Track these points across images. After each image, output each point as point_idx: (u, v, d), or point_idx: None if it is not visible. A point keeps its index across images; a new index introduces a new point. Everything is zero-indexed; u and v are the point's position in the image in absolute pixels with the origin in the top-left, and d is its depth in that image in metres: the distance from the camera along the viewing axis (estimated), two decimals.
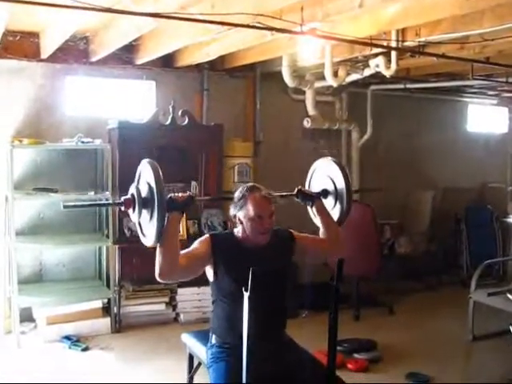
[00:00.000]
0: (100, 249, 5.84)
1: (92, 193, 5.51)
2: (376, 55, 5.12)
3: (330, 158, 3.56)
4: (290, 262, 3.27)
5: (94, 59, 5.64)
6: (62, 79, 5.79)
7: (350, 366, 4.75)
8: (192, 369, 3.74)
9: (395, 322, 6.05)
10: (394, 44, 4.49)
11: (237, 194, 3.12)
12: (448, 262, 7.79)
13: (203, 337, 3.42)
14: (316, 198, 3.41)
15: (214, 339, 3.18)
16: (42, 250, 5.71)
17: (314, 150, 6.94)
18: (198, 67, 6.27)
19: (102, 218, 5.77)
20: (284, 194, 3.39)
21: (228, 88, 6.58)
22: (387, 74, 5.10)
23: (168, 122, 5.69)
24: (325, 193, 3.45)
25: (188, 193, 3.03)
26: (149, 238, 2.89)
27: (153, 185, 2.77)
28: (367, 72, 5.50)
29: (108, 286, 5.64)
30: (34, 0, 3.21)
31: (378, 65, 5.14)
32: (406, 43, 4.53)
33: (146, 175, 2.86)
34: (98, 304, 5.56)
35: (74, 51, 5.65)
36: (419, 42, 4.47)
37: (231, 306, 3.02)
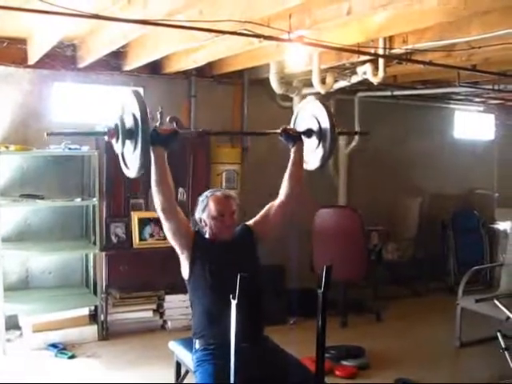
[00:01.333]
0: (87, 256, 5.81)
1: (79, 199, 5.49)
2: (363, 62, 5.14)
3: (314, 97, 3.63)
4: (256, 253, 3.36)
5: (81, 65, 5.61)
6: (49, 85, 5.77)
7: (338, 372, 4.75)
8: (179, 376, 3.73)
9: (383, 329, 6.06)
10: (381, 51, 4.50)
11: (200, 199, 3.32)
12: (435, 269, 7.81)
13: (190, 344, 3.41)
14: (298, 139, 3.46)
15: (197, 344, 3.21)
16: (29, 257, 5.65)
17: None
18: (186, 74, 6.26)
19: (88, 224, 5.73)
20: (269, 131, 3.56)
21: (216, 94, 6.58)
22: (375, 81, 5.12)
23: None
24: (309, 132, 3.49)
25: (173, 127, 3.07)
26: (132, 169, 2.93)
27: (137, 115, 2.78)
28: (355, 79, 5.52)
29: (95, 293, 5.60)
30: (20, 7, 3.19)
31: (365, 72, 5.16)
32: (394, 51, 4.53)
33: (130, 106, 2.86)
34: (84, 311, 5.52)
35: (62, 57, 5.61)
36: (406, 49, 4.48)
37: (209, 303, 3.11)
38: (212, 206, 3.23)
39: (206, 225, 3.26)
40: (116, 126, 2.90)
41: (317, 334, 2.99)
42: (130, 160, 2.93)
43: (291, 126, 3.63)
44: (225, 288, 2.72)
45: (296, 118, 3.68)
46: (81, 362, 5.00)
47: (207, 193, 3.34)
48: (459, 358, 5.40)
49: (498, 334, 4.52)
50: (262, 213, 3.44)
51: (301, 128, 3.56)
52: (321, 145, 3.47)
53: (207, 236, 3.29)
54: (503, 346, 4.46)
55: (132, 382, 4.56)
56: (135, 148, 2.82)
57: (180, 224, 3.14)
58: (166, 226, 3.13)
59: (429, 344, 5.57)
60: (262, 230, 3.38)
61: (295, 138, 3.46)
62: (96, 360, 5.03)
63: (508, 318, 4.66)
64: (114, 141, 2.93)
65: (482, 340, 5.42)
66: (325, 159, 3.50)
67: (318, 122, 3.46)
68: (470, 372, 4.96)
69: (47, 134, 2.95)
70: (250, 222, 3.42)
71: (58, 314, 5.37)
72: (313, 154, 3.52)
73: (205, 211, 3.25)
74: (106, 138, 2.95)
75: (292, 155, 3.46)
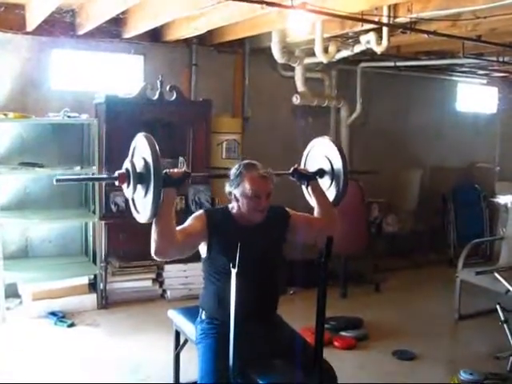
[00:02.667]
0: (86, 224, 5.79)
1: (78, 167, 5.45)
2: (367, 31, 5.07)
3: (327, 137, 3.49)
4: (283, 240, 3.22)
5: (80, 32, 5.55)
6: (48, 52, 5.69)
7: (336, 343, 4.76)
8: (179, 345, 3.74)
9: (382, 300, 6.07)
10: (385, 20, 4.44)
11: (233, 171, 3.04)
12: (435, 241, 7.81)
13: (190, 313, 3.41)
14: (311, 178, 3.34)
15: (203, 315, 3.17)
16: (28, 226, 5.65)
17: (303, 128, 6.93)
18: (187, 42, 6.20)
19: (88, 193, 5.72)
20: (279, 172, 3.28)
21: (217, 63, 6.51)
22: (378, 50, 5.06)
23: (156, 97, 5.62)
24: (321, 172, 3.38)
25: (183, 169, 2.98)
26: (143, 214, 2.82)
27: (149, 160, 2.70)
28: (358, 48, 5.45)
29: (94, 262, 5.60)
30: None
31: (368, 41, 5.09)
32: (398, 19, 4.47)
33: (141, 149, 2.79)
34: (84, 280, 5.53)
35: (61, 24, 5.55)
36: (411, 18, 4.41)
37: (223, 284, 2.98)
38: (248, 185, 2.97)
39: (237, 201, 3.04)
40: (127, 170, 2.80)
41: (317, 302, 2.98)
42: (141, 205, 2.83)
43: (301, 165, 3.50)
44: (243, 274, 2.63)
45: (307, 157, 3.54)
46: (80, 330, 5.00)
47: (243, 167, 3.04)
48: (458, 330, 5.41)
49: (498, 307, 4.54)
50: (307, 215, 3.32)
51: (312, 168, 3.44)
52: (333, 185, 3.37)
53: (232, 211, 3.09)
54: (502, 318, 4.48)
55: (131, 350, 4.57)
56: (146, 192, 2.74)
57: (186, 245, 2.96)
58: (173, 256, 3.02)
59: (428, 316, 5.58)
60: (299, 230, 3.23)
61: (309, 177, 3.34)
62: (95, 328, 5.04)
63: (508, 291, 4.67)
64: (124, 186, 2.84)
65: (480, 312, 5.44)
66: (338, 200, 3.36)
67: (330, 162, 3.35)
68: (468, 344, 4.97)
69: (56, 181, 2.83)
70: (291, 211, 3.26)
71: (57, 283, 5.38)
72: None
73: (238, 188, 3.00)
74: (116, 183, 2.84)
75: (313, 194, 3.34)
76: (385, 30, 4.85)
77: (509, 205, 6.29)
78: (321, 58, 5.41)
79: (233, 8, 4.50)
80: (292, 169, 3.35)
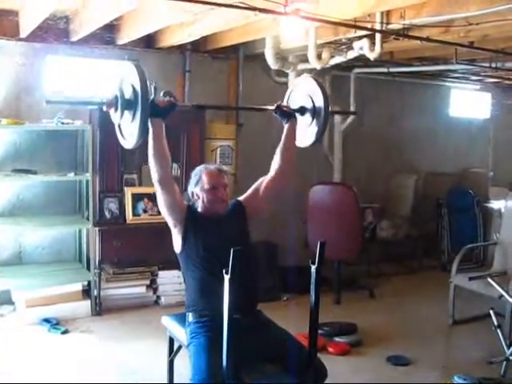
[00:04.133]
0: (80, 231, 5.79)
1: (72, 174, 5.45)
2: (360, 38, 5.08)
3: (309, 76, 3.58)
4: (247, 232, 3.36)
5: (74, 39, 5.54)
6: (41, 59, 5.68)
7: (330, 349, 4.76)
8: (172, 351, 3.73)
9: (376, 306, 6.08)
10: (378, 26, 4.45)
11: (193, 173, 3.35)
12: (429, 246, 7.83)
13: (183, 319, 3.41)
14: (292, 116, 3.46)
15: (190, 317, 3.22)
16: (22, 232, 5.63)
17: None
18: (181, 48, 6.20)
19: (82, 199, 5.70)
20: (263, 107, 3.56)
21: (210, 70, 6.52)
22: (371, 56, 5.07)
23: None
24: (302, 110, 3.48)
25: (170, 98, 3.06)
26: (129, 139, 2.95)
27: (137, 87, 2.79)
28: (351, 54, 5.46)
29: (88, 268, 5.59)
30: None
31: (362, 47, 5.10)
32: (391, 26, 4.48)
33: (130, 77, 2.87)
34: (78, 287, 5.51)
35: (54, 30, 5.55)
36: (404, 24, 4.43)
37: (202, 277, 3.13)
38: (205, 178, 3.26)
39: (198, 198, 3.28)
40: (115, 96, 2.90)
41: (310, 309, 3.00)
42: (128, 131, 2.94)
43: (285, 102, 3.61)
44: (217, 261, 2.76)
45: (290, 95, 3.66)
46: (74, 337, 4.99)
47: (200, 167, 3.36)
48: (452, 335, 5.42)
49: (491, 312, 4.55)
50: (252, 188, 3.45)
51: (295, 105, 3.54)
52: (314, 123, 3.46)
53: (200, 210, 3.30)
54: (495, 323, 4.49)
55: (125, 357, 4.56)
56: (134, 118, 2.84)
57: (175, 197, 3.16)
58: (161, 199, 3.14)
59: (422, 321, 5.59)
60: (253, 206, 3.39)
61: (289, 114, 3.46)
62: (89, 335, 5.03)
63: (501, 295, 4.68)
64: (112, 111, 2.95)
65: (474, 318, 5.46)
66: (317, 137, 3.49)
67: (312, 100, 3.44)
68: (462, 349, 4.98)
69: (46, 102, 3.04)
70: (241, 198, 3.44)
71: (51, 290, 5.36)
72: (306, 132, 3.51)
73: (198, 185, 3.28)
74: (104, 107, 2.96)
75: (285, 131, 3.47)
76: (378, 36, 4.86)
77: (502, 210, 6.29)
78: (314, 64, 5.42)
79: (226, 14, 4.50)
80: (275, 105, 3.47)
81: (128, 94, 2.86)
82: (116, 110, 2.92)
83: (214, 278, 2.78)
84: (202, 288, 3.13)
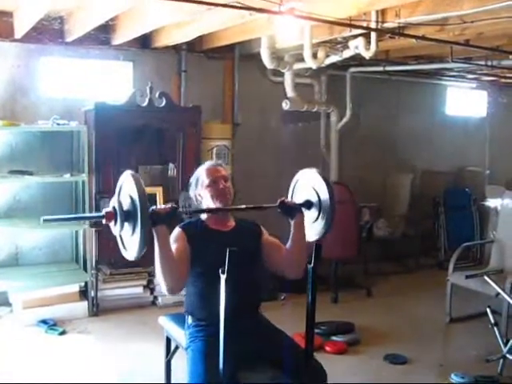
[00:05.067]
0: (77, 232, 5.78)
1: (68, 175, 5.45)
2: (355, 36, 5.08)
3: (314, 169, 3.33)
4: (259, 246, 3.24)
5: (69, 39, 5.54)
6: (36, 60, 5.68)
7: (328, 348, 4.76)
8: (169, 352, 3.73)
9: (373, 305, 6.08)
10: (373, 25, 4.46)
11: (192, 179, 3.29)
12: (426, 245, 7.83)
13: (180, 319, 3.40)
14: (297, 211, 3.20)
15: (190, 319, 3.20)
16: (18, 234, 5.62)
17: (293, 133, 6.97)
18: (176, 48, 6.20)
19: (78, 200, 5.68)
20: (266, 206, 3.25)
21: (206, 69, 6.51)
22: (367, 55, 5.06)
23: (145, 104, 5.61)
24: (308, 204, 3.24)
25: (170, 204, 2.94)
26: (130, 251, 2.79)
27: (135, 198, 2.67)
28: (347, 53, 5.45)
29: (85, 269, 5.59)
30: None
31: (357, 46, 5.09)
32: (386, 24, 4.49)
33: (127, 188, 2.76)
34: (75, 288, 5.51)
35: (49, 31, 5.54)
36: (399, 23, 4.43)
37: (203, 286, 3.07)
38: (204, 176, 3.21)
39: (202, 198, 3.20)
40: (114, 208, 2.77)
41: (307, 308, 3.00)
42: (129, 242, 2.79)
43: (289, 196, 3.37)
44: (219, 272, 2.69)
45: (294, 189, 3.41)
46: (71, 337, 4.98)
47: (197, 170, 3.32)
48: (449, 333, 5.43)
49: (488, 310, 4.55)
50: (278, 242, 3.29)
51: (298, 200, 3.30)
52: (320, 217, 3.23)
53: (204, 218, 3.22)
54: (492, 321, 4.50)
55: (122, 357, 4.56)
56: (134, 231, 2.70)
57: (188, 269, 3.04)
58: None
59: (419, 319, 5.60)
60: (268, 253, 3.24)
61: (295, 210, 3.20)
62: (86, 336, 5.03)
63: (497, 293, 4.69)
64: (112, 224, 2.79)
65: (471, 316, 5.47)
66: (325, 232, 3.23)
67: (317, 194, 3.21)
68: (459, 347, 4.99)
69: (43, 221, 2.79)
70: (264, 230, 3.31)
71: (48, 291, 5.35)
72: (311, 227, 3.27)
73: (198, 185, 3.23)
74: (103, 221, 2.79)
75: (293, 229, 3.20)
76: (373, 35, 4.86)
77: (499, 208, 6.30)
78: (310, 63, 5.42)
79: (222, 14, 4.49)
80: (278, 201, 3.21)
81: (126, 205, 2.73)
82: (115, 222, 2.77)
83: (216, 289, 2.71)
84: (203, 296, 3.10)
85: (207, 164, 3.32)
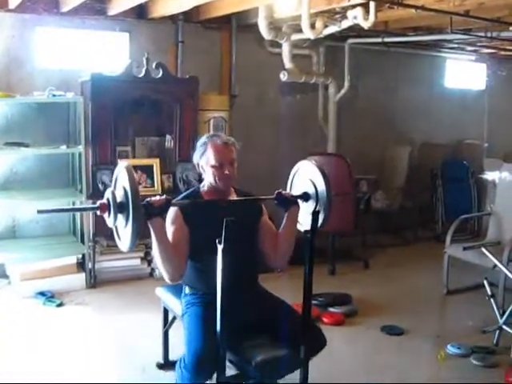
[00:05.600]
0: (74, 204, 5.74)
1: (64, 146, 5.41)
2: (354, 6, 5.02)
3: (312, 161, 3.31)
4: (257, 222, 3.24)
5: (64, 9, 5.46)
6: (31, 30, 5.60)
7: (325, 319, 4.77)
8: (167, 322, 3.75)
9: (371, 276, 6.10)
10: None
11: (199, 143, 3.18)
12: (424, 217, 7.84)
13: (178, 290, 3.41)
14: (293, 204, 3.22)
15: (187, 289, 3.23)
16: (15, 206, 5.61)
17: (291, 104, 6.93)
18: (173, 19, 6.13)
19: (75, 172, 5.66)
20: (263, 197, 3.30)
21: (203, 40, 6.45)
22: (365, 25, 5.00)
23: (142, 75, 5.56)
24: (306, 196, 3.23)
25: (164, 196, 2.93)
26: (124, 242, 2.79)
27: (128, 190, 2.66)
28: (345, 24, 5.39)
29: (82, 241, 5.58)
30: None
31: (355, 16, 5.03)
32: None
33: (121, 180, 2.75)
34: (72, 260, 5.51)
35: (44, 1, 5.48)
36: None
37: (201, 260, 3.07)
38: (211, 154, 3.09)
39: (204, 171, 3.16)
40: (108, 200, 2.76)
41: (304, 277, 3.01)
42: (123, 234, 2.79)
43: (288, 188, 3.35)
44: (216, 245, 2.71)
45: (292, 181, 3.38)
46: (69, 309, 5.00)
47: (206, 137, 3.19)
48: (446, 305, 5.45)
49: (485, 282, 4.57)
50: (273, 230, 3.30)
51: (297, 192, 3.29)
52: (317, 208, 3.21)
53: (203, 189, 3.21)
54: (489, 293, 4.52)
55: (120, 328, 4.57)
56: (127, 221, 2.70)
57: (187, 251, 3.06)
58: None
59: (416, 291, 5.61)
60: (260, 233, 3.26)
61: (291, 202, 3.22)
62: (84, 307, 5.04)
63: (494, 265, 4.70)
64: (106, 215, 2.79)
65: (468, 287, 5.48)
66: (322, 223, 3.19)
67: (315, 186, 3.19)
68: (456, 319, 5.02)
69: (38, 212, 2.87)
70: (265, 212, 3.31)
71: (45, 263, 5.35)
72: (308, 218, 3.21)
73: (203, 157, 3.13)
74: (98, 212, 2.80)
75: (285, 220, 3.23)
76: (372, 4, 4.80)
77: (497, 181, 6.29)
78: (308, 34, 5.36)
79: None
80: (275, 193, 3.22)
81: (120, 197, 2.73)
82: (109, 214, 2.77)
83: (213, 261, 2.73)
84: (200, 269, 3.11)
85: (218, 140, 3.13)
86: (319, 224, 3.16)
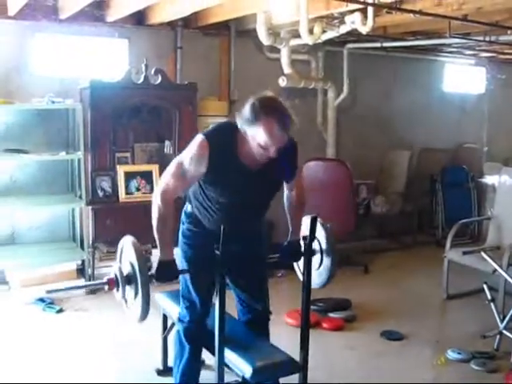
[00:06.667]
0: (73, 210, 5.76)
1: (63, 153, 5.42)
2: (352, 12, 5.03)
3: (311, 215, 3.14)
4: (281, 182, 3.09)
5: (63, 16, 5.48)
6: (31, 37, 5.61)
7: (325, 325, 4.77)
8: (166, 328, 3.75)
9: (370, 282, 6.10)
10: (370, 0, 4.41)
11: (249, 107, 2.69)
12: (423, 222, 7.85)
13: (177, 296, 3.41)
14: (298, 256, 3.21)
15: (189, 208, 3.15)
16: (15, 213, 5.61)
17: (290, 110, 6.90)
18: (172, 25, 6.14)
19: (74, 178, 5.66)
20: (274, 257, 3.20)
21: (202, 46, 6.46)
22: (363, 30, 5.01)
23: (141, 81, 5.57)
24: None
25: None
26: (135, 313, 2.81)
27: (136, 266, 2.72)
28: (343, 29, 5.39)
29: (82, 247, 5.58)
30: None
31: (354, 21, 5.04)
32: None
33: (127, 254, 2.83)
34: (72, 266, 5.53)
35: (43, 8, 5.49)
36: None
37: (212, 209, 2.98)
38: (262, 134, 2.65)
39: (245, 135, 2.74)
40: (115, 275, 2.84)
41: (303, 283, 3.02)
42: (133, 305, 2.83)
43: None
44: (231, 206, 2.80)
45: None
46: (68, 315, 4.99)
47: (263, 108, 2.67)
48: (446, 309, 5.45)
49: (485, 286, 4.57)
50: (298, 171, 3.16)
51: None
52: (323, 265, 3.21)
53: (239, 140, 2.80)
54: (489, 297, 4.51)
55: (119, 335, 4.57)
56: (136, 294, 2.75)
57: (190, 184, 2.98)
58: None
59: (416, 296, 5.61)
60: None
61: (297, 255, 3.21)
62: (83, 314, 5.03)
63: (494, 270, 4.69)
64: (115, 290, 2.87)
65: (468, 292, 5.48)
66: (328, 279, 3.24)
67: (319, 243, 3.19)
68: (456, 324, 5.01)
69: (47, 292, 3.05)
70: (299, 173, 3.17)
71: (45, 269, 5.36)
72: (315, 273, 3.21)
73: (250, 128, 2.69)
74: (106, 287, 2.89)
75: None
76: (370, 9, 4.81)
77: (496, 185, 6.29)
78: (306, 39, 5.36)
79: None
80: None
81: (127, 271, 2.81)
82: (118, 289, 2.84)
83: (225, 213, 2.80)
84: (210, 219, 3.01)
85: (276, 123, 2.65)
86: (326, 281, 3.23)
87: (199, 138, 2.81)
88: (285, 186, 3.15)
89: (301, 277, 3.21)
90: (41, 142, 5.54)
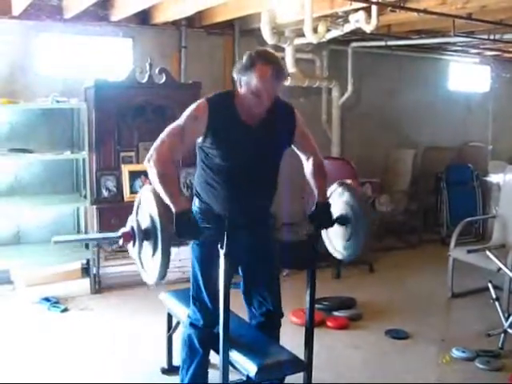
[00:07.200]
0: (78, 209, 5.77)
1: (68, 152, 5.44)
2: (356, 10, 5.02)
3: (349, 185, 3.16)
4: (288, 141, 3.04)
5: (67, 16, 5.49)
6: (35, 37, 5.62)
7: (330, 323, 4.77)
8: (171, 328, 3.75)
9: (375, 280, 6.09)
10: None
11: (246, 56, 2.79)
12: (428, 221, 7.83)
13: (182, 296, 3.43)
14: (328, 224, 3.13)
15: (197, 202, 3.09)
16: (20, 212, 5.62)
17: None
18: (176, 24, 6.15)
19: (79, 177, 5.66)
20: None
21: (206, 45, 6.47)
22: (368, 29, 5.01)
23: (145, 80, 5.58)
24: (343, 219, 3.10)
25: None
26: (151, 274, 2.62)
27: (156, 218, 2.51)
28: (347, 28, 5.39)
29: (87, 246, 5.59)
30: None
31: (358, 20, 5.04)
32: None
33: (147, 206, 2.63)
34: (77, 265, 5.54)
35: (47, 7, 5.51)
36: None
37: (216, 180, 2.94)
38: (255, 80, 2.72)
39: (240, 87, 2.81)
40: (132, 228, 2.63)
41: (307, 281, 3.03)
42: (149, 264, 2.63)
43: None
44: (237, 169, 2.75)
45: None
46: (74, 315, 5.00)
47: (257, 55, 2.77)
48: (450, 308, 5.43)
49: (489, 285, 4.56)
50: (308, 137, 3.14)
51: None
52: (353, 235, 3.09)
53: (238, 99, 2.87)
54: (494, 296, 4.51)
55: (124, 334, 4.58)
56: (155, 251, 2.54)
57: (187, 145, 2.89)
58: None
59: (421, 295, 5.60)
60: (296, 139, 3.07)
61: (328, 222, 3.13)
62: (89, 313, 5.05)
63: (499, 268, 4.69)
64: (130, 245, 2.66)
65: (473, 291, 5.47)
66: (359, 250, 3.10)
67: (352, 210, 3.08)
68: (461, 322, 4.99)
69: (54, 243, 2.72)
70: (298, 120, 3.05)
71: (50, 269, 5.37)
72: (344, 242, 3.15)
73: (245, 75, 2.76)
74: (120, 241, 2.66)
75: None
76: (374, 8, 4.81)
77: (501, 183, 6.28)
78: (310, 38, 5.35)
79: None
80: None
81: (145, 224, 2.58)
82: (134, 243, 2.63)
83: (229, 185, 2.74)
84: (216, 193, 2.96)
85: (267, 65, 2.73)
86: (357, 251, 3.09)
87: (199, 100, 2.90)
88: (300, 156, 3.16)
89: (330, 248, 3.20)
90: (45, 141, 5.56)
